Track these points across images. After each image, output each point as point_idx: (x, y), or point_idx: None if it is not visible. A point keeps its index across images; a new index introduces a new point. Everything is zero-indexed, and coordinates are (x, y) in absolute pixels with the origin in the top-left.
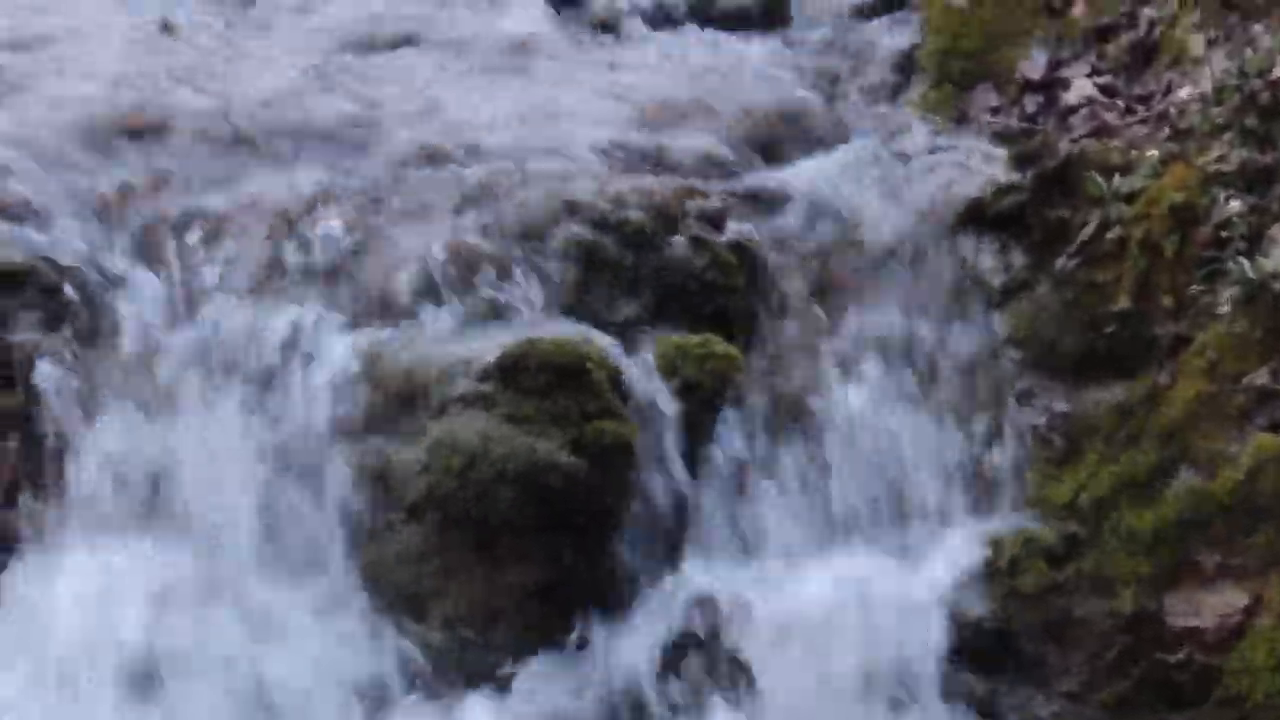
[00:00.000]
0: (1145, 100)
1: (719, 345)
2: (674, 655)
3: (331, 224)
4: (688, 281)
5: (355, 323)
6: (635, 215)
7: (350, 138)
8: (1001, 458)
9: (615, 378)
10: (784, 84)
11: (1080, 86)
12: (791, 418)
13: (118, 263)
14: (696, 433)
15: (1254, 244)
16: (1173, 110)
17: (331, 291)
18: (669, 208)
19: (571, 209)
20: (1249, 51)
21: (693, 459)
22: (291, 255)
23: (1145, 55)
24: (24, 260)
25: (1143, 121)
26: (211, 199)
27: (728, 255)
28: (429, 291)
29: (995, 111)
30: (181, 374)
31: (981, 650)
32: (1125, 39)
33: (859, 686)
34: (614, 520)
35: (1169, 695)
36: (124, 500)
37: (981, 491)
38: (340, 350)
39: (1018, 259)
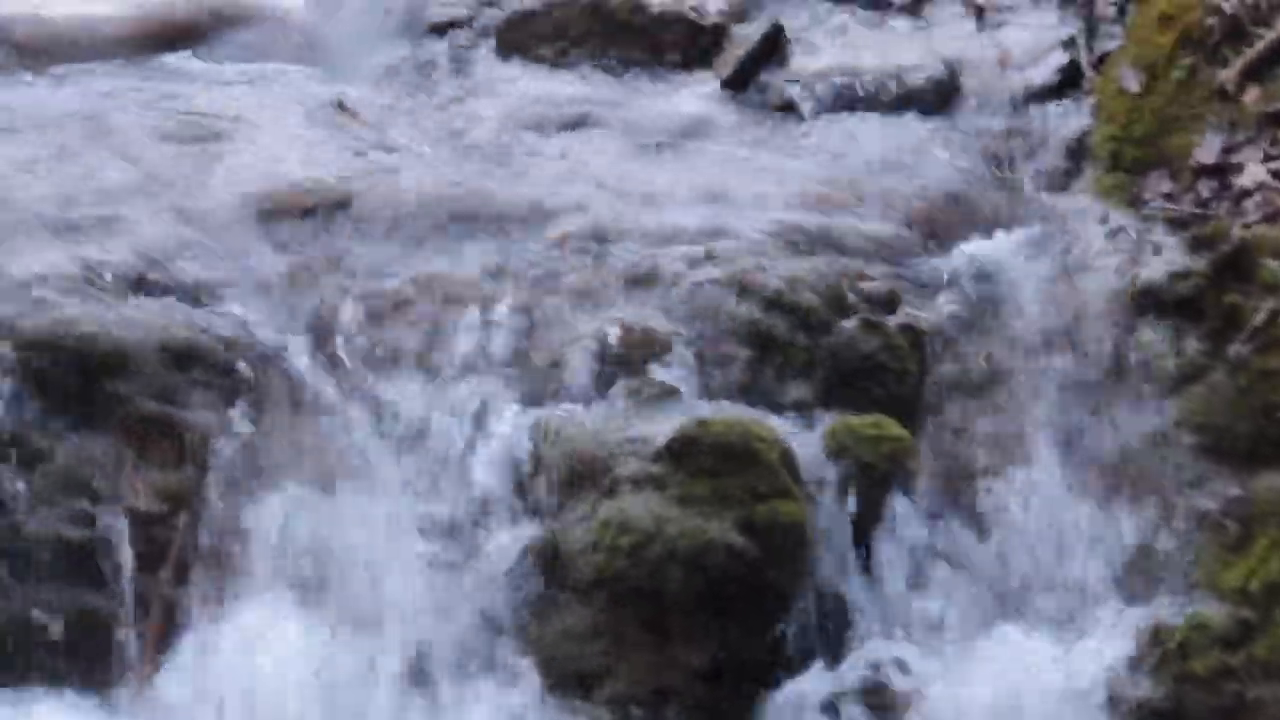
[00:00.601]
0: None
1: (890, 427)
2: None
3: (505, 305)
4: (859, 363)
5: (527, 402)
6: (807, 297)
7: (526, 218)
8: (1170, 542)
9: (786, 458)
10: (957, 167)
11: (1253, 171)
12: (961, 499)
13: (291, 341)
14: (867, 513)
15: None
16: None
17: (504, 371)
18: (840, 290)
19: (744, 290)
20: None
21: (863, 539)
22: (464, 335)
23: None
24: (198, 339)
25: None
26: (386, 279)
27: (898, 338)
28: (601, 372)
29: (1168, 196)
30: (352, 451)
31: None
32: None
33: None
34: (784, 600)
35: None
36: (292, 576)
37: (1147, 575)
38: (511, 430)
39: (1191, 345)
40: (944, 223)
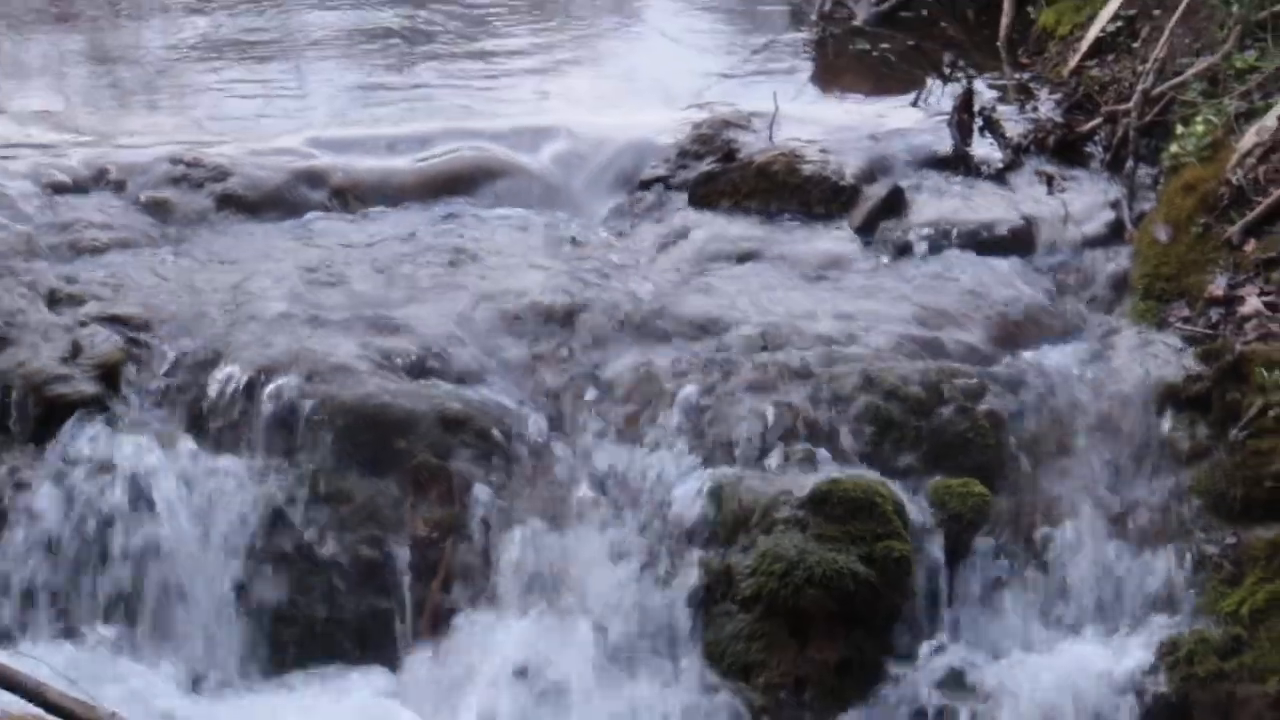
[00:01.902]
0: None
1: (976, 486)
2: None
3: (693, 390)
4: (953, 439)
5: (708, 463)
6: (915, 390)
7: (708, 326)
8: (1181, 577)
9: (898, 509)
10: (1030, 295)
11: (1251, 303)
12: (1027, 542)
13: (533, 414)
14: (956, 550)
15: None
16: None
17: (691, 440)
18: (941, 384)
19: (869, 384)
20: None
21: (954, 571)
22: (662, 412)
23: None
24: (464, 410)
25: None
26: (605, 368)
27: (983, 421)
28: (763, 442)
29: (1187, 320)
30: (577, 497)
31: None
32: None
33: None
34: (893, 612)
35: None
36: (529, 588)
37: (1165, 601)
38: (696, 484)
39: (1200, 430)
40: (1019, 335)
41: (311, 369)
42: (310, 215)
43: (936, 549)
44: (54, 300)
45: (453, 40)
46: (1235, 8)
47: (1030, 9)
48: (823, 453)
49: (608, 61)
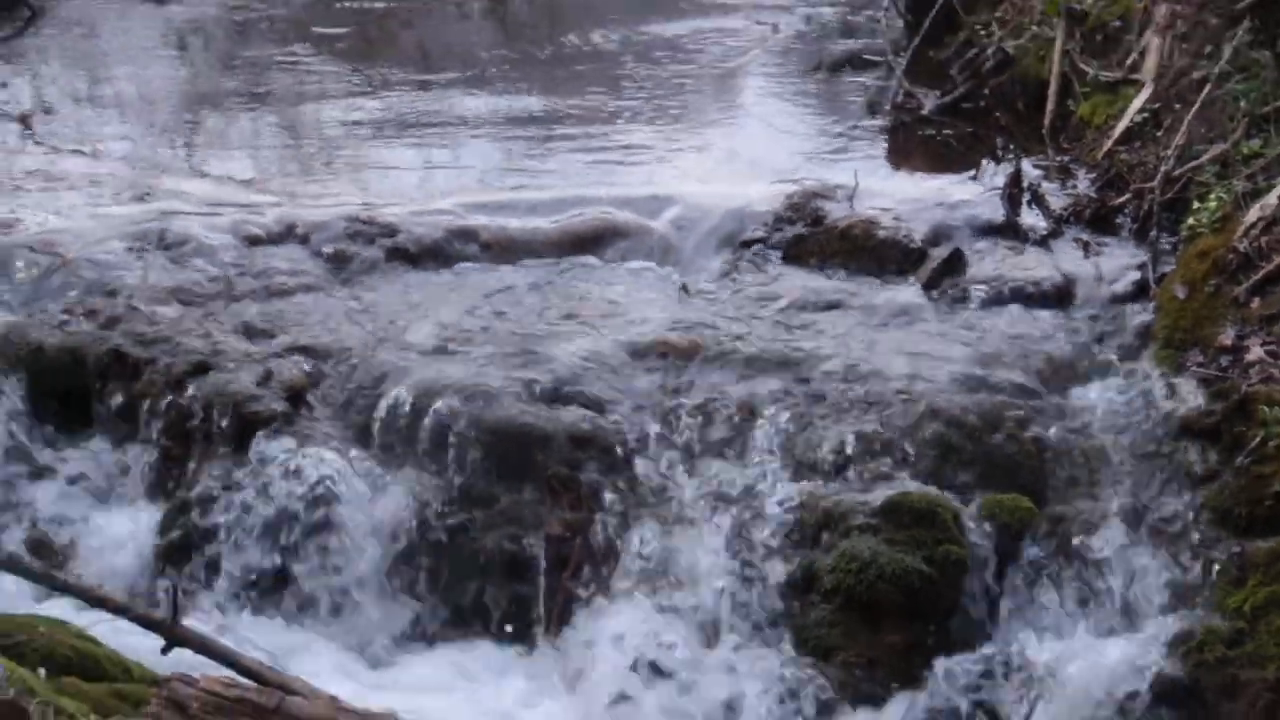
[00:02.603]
0: None
1: (1023, 501)
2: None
3: (784, 415)
4: (1004, 461)
5: (797, 478)
6: (972, 419)
7: (798, 363)
8: (1195, 579)
9: (956, 519)
10: (1068, 341)
11: (1256, 351)
12: (1067, 549)
13: (652, 434)
14: (1005, 555)
15: None
16: None
17: (782, 456)
18: (994, 415)
19: (933, 414)
20: None
21: (1003, 573)
22: (759, 434)
23: None
24: (592, 429)
25: None
26: (713, 398)
27: (1029, 446)
28: (842, 460)
29: (1201, 365)
30: (686, 504)
31: (1177, 699)
32: None
33: (1100, 715)
34: (952, 606)
35: None
36: (647, 582)
37: (1181, 599)
38: (787, 495)
39: (1212, 457)
40: (1060, 375)
41: (464, 393)
42: (463, 266)
43: (988, 554)
44: (250, 334)
45: (586, 123)
46: (1243, 103)
47: (1070, 102)
48: (894, 470)
49: (714, 142)
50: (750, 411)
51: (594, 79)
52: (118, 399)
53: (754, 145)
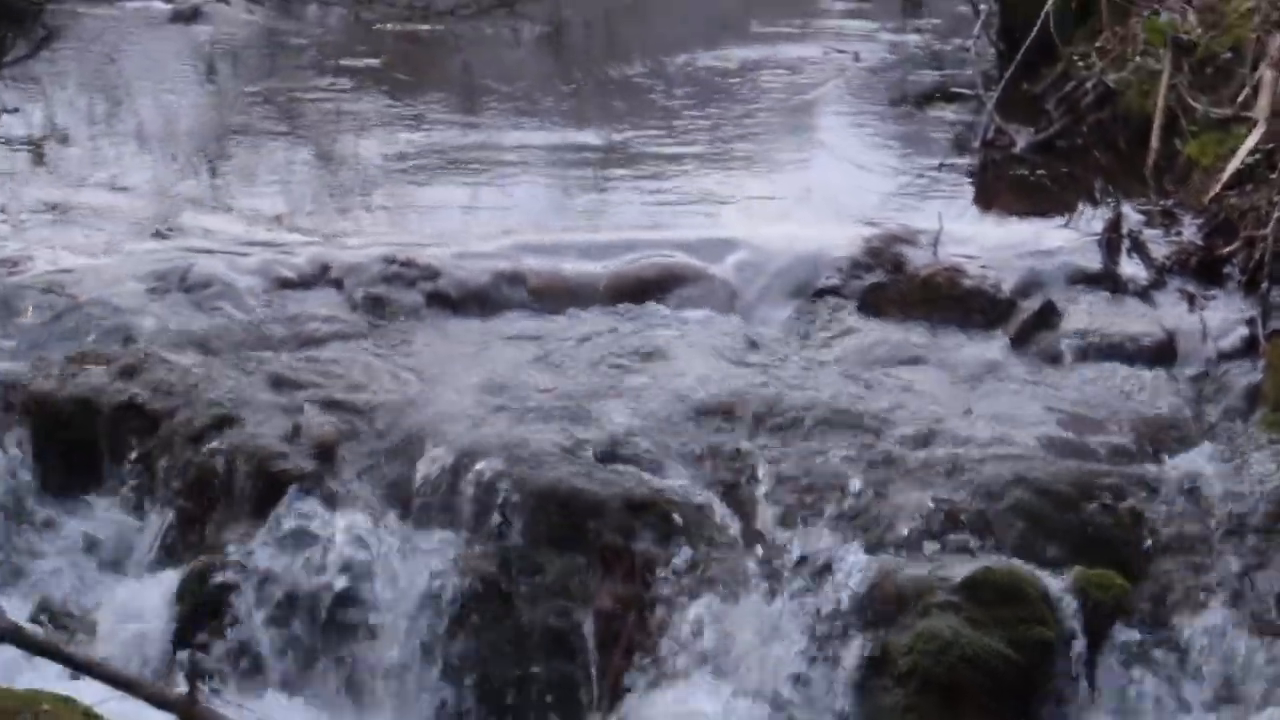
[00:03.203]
0: None
1: (1116, 578)
2: None
3: (858, 480)
4: (1097, 534)
5: (870, 548)
6: (1063, 487)
7: (874, 423)
8: None
9: (1045, 597)
10: (1169, 402)
11: None
12: (1163, 630)
13: (713, 499)
14: (1096, 635)
15: None
16: None
17: (856, 525)
18: (1087, 482)
19: (1021, 480)
20: None
21: (1094, 655)
22: (831, 499)
23: None
24: (648, 495)
25: None
26: (781, 460)
27: (1125, 517)
28: (921, 530)
29: None
30: (750, 577)
31: None
32: None
33: None
34: (1037, 690)
35: None
36: (705, 662)
37: None
38: (859, 566)
39: None
40: (1160, 439)
41: (510, 454)
42: (510, 314)
43: (1079, 635)
44: (278, 384)
45: (645, 159)
46: None
47: (1177, 140)
48: (976, 543)
49: (785, 181)
50: (822, 475)
51: (655, 112)
52: (132, 455)
53: (829, 185)
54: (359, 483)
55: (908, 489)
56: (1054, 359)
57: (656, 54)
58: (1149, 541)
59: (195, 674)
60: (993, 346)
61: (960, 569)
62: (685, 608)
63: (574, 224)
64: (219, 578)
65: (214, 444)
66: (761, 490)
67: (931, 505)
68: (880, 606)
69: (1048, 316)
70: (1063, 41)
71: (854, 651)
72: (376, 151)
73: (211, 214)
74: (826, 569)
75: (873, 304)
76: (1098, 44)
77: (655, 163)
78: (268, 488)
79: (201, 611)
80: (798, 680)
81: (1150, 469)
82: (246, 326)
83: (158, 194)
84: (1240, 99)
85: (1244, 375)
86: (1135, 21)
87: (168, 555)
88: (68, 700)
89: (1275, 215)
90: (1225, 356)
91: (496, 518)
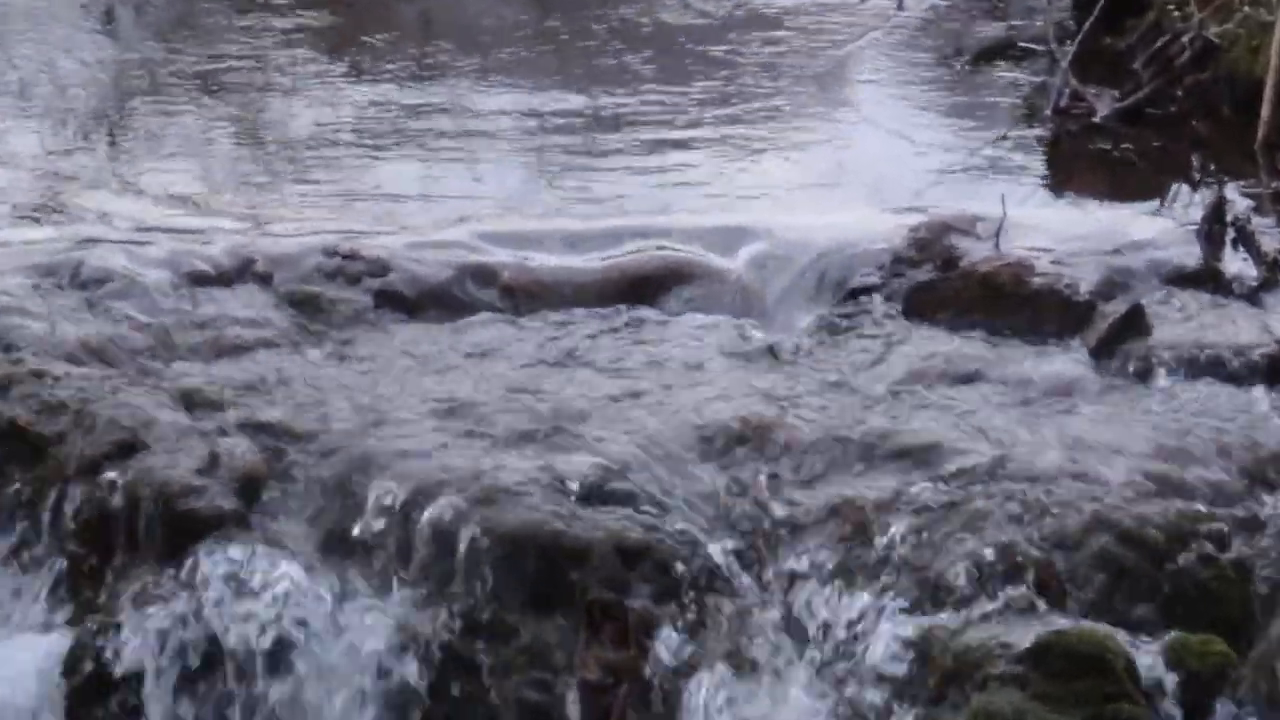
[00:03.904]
0: None
1: (1218, 644)
2: None
3: (900, 523)
4: (1194, 590)
5: (914, 608)
6: (1153, 533)
7: (921, 454)
8: None
9: (1130, 667)
10: None
11: None
12: (1276, 708)
13: (723, 546)
14: (1194, 714)
15: None
16: None
17: (898, 579)
18: (1182, 527)
19: (1100, 525)
20: None
21: None
22: (867, 547)
23: None
24: (644, 540)
25: None
26: (803, 499)
27: (1229, 570)
28: (978, 585)
29: None
30: (768, 641)
31: None
32: None
33: None
34: None
35: None
36: None
37: None
38: (900, 631)
39: None
40: (1273, 474)
41: (475, 489)
42: (477, 317)
43: (1172, 712)
44: (191, 404)
45: (642, 126)
46: None
47: None
48: (1045, 601)
49: (813, 154)
50: (856, 517)
51: (657, 71)
52: (11, 490)
53: (866, 158)
54: (291, 525)
55: (962, 535)
56: (1142, 375)
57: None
58: (1257, 599)
59: None
60: (1067, 360)
61: (1026, 633)
62: (689, 680)
63: (556, 208)
64: (117, 641)
65: (113, 476)
66: (784, 533)
67: (991, 555)
68: (928, 680)
69: (1135, 323)
70: None
71: None
72: (313, 117)
73: (111, 193)
74: (862, 633)
75: (920, 307)
76: None
77: (655, 133)
78: (179, 531)
79: (96, 681)
80: None
81: (1259, 511)
82: (153, 332)
83: (42, 169)
84: None
85: None
86: None
87: (56, 613)
88: None
89: None
90: None
91: (460, 567)
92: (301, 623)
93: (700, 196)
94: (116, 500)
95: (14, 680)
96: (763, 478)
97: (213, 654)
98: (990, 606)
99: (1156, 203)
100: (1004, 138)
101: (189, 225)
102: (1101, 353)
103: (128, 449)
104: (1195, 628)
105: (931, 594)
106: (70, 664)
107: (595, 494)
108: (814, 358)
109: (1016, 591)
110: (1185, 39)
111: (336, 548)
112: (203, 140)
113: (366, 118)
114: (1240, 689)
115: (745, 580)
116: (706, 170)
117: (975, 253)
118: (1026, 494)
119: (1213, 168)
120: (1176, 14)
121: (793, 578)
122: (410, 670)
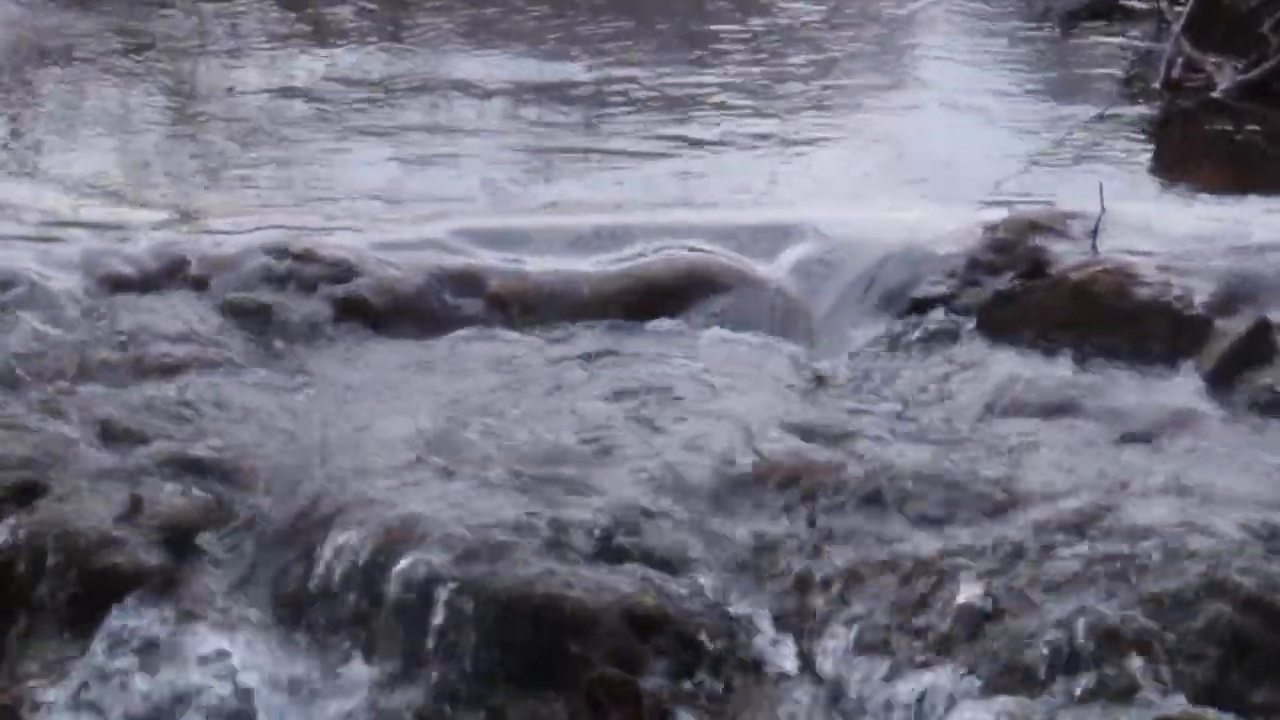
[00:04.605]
0: None
1: None
2: None
3: (974, 587)
4: None
5: (987, 689)
6: None
7: (999, 502)
8: None
9: None
10: None
11: None
12: None
13: (756, 614)
14: None
15: None
16: None
17: (970, 653)
18: None
19: (1216, 588)
20: None
21: None
22: (933, 615)
23: None
24: (660, 606)
25: None
26: (855, 554)
27: None
28: (1067, 660)
29: None
30: None
31: None
32: None
33: None
34: None
35: None
36: None
37: None
38: (973, 715)
39: None
40: None
41: (456, 542)
42: (460, 332)
43: None
44: (109, 436)
45: (660, 101)
46: None
47: None
48: (1150, 679)
49: (870, 136)
50: (919, 579)
51: (677, 32)
52: None
53: (934, 142)
54: (229, 584)
55: (1049, 598)
56: (1270, 408)
57: None
58: None
59: None
60: (1179, 387)
61: (1126, 718)
62: None
63: (555, 201)
64: None
65: (13, 524)
66: (831, 597)
67: (1083, 622)
68: None
69: (1261, 345)
70: None
71: None
72: (260, 84)
73: (11, 181)
74: (928, 716)
75: (999, 323)
76: None
77: (676, 110)
78: (92, 591)
79: None
80: None
81: None
82: (64, 348)
83: None
84: None
85: None
86: None
87: None
88: None
89: None
90: None
91: (435, 638)
92: (240, 703)
93: (731, 188)
94: (19, 556)
95: None
96: (805, 530)
97: None
98: (1082, 687)
99: None
100: (1102, 117)
101: (108, 219)
102: (1219, 379)
103: (30, 491)
104: None
105: (1011, 671)
106: None
107: (601, 549)
108: (869, 386)
109: (1114, 669)
110: None
111: (284, 612)
112: (124, 116)
113: (322, 86)
114: None
115: (784, 653)
116: (739, 155)
117: (1067, 257)
118: (1127, 551)
119: None
120: None
121: (841, 650)
122: None
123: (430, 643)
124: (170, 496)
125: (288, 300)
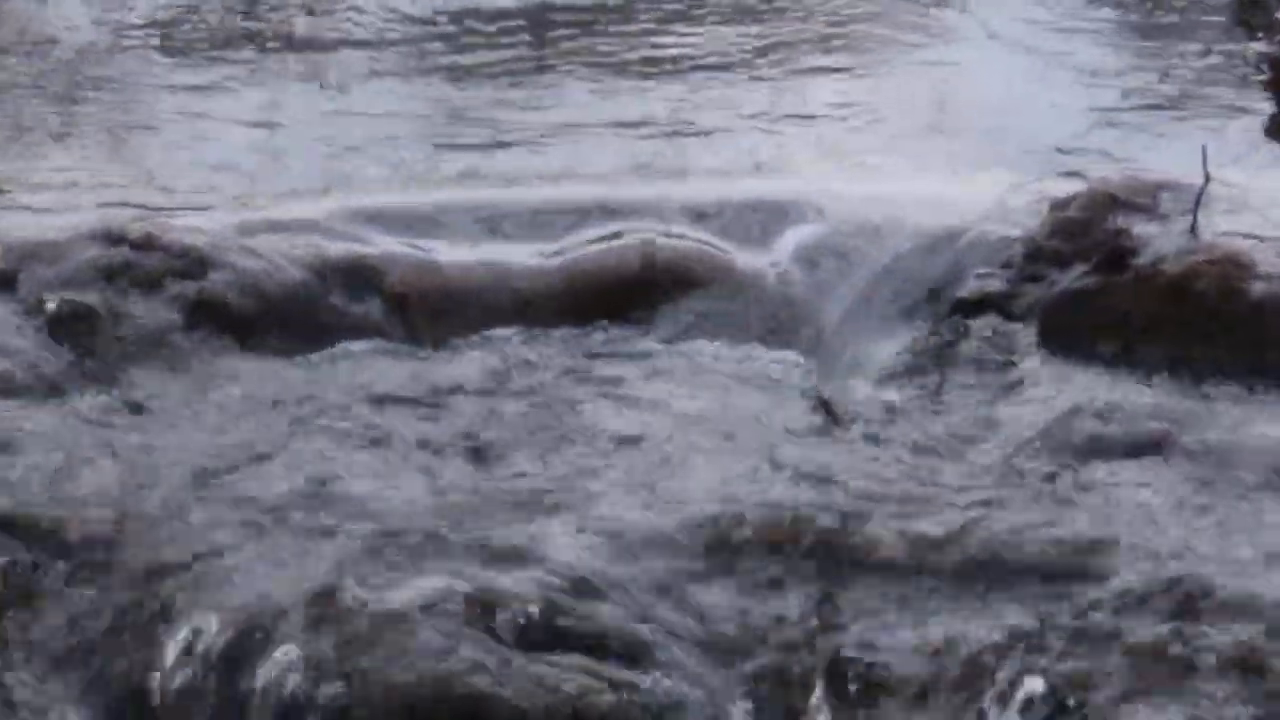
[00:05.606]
0: None
1: None
2: None
3: (1037, 680)
4: None
5: None
6: None
7: (1063, 568)
8: None
9: None
10: None
11: None
12: None
13: (741, 714)
14: None
15: None
16: None
17: None
18: None
19: None
20: None
21: None
22: (987, 713)
23: None
24: (616, 703)
25: None
26: (875, 638)
27: None
28: None
29: None
30: None
31: None
32: None
33: None
34: None
35: None
36: None
37: None
38: None
39: None
40: None
41: (343, 624)
42: (348, 345)
43: None
44: None
45: (622, 36)
46: None
47: None
48: None
49: (898, 82)
50: (966, 669)
51: None
52: None
53: (985, 94)
54: (36, 681)
55: (1139, 693)
56: None
57: None
58: None
59: None
60: None
61: None
62: None
63: (478, 164)
64: None
65: None
66: (844, 693)
67: None
68: None
69: None
70: None
71: None
72: (88, 21)
73: None
74: None
75: (1064, 330)
76: None
77: (639, 41)
78: None
79: None
80: None
81: None
82: None
83: None
84: None
85: None
86: None
87: None
88: None
89: None
90: None
91: None
92: None
93: (714, 150)
94: None
95: None
96: (814, 604)
97: None
98: None
99: None
100: (1208, 53)
101: None
102: None
103: None
104: None
105: None
106: None
107: (539, 632)
108: (896, 414)
109: None
110: None
111: (117, 714)
112: None
113: (171, 27)
114: None
115: None
116: (726, 106)
117: (1158, 242)
118: (1233, 629)
119: None
120: None
121: None
122: None
123: None
124: None
125: (122, 302)
